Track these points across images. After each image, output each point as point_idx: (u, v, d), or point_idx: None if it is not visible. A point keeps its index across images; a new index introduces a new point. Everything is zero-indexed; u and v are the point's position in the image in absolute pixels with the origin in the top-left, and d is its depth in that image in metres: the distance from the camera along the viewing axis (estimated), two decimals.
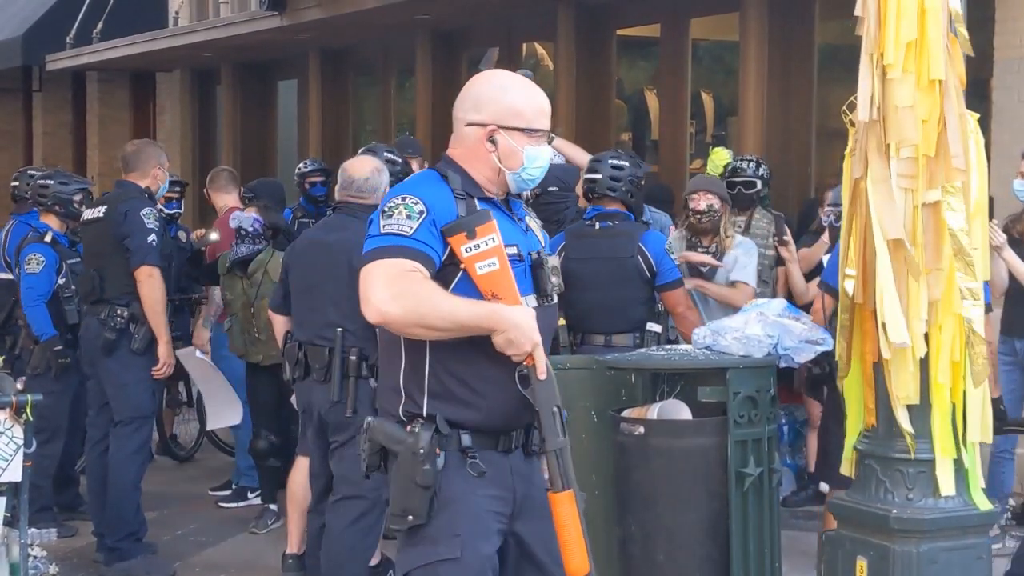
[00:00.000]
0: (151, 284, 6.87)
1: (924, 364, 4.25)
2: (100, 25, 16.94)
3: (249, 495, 8.40)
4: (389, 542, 7.25)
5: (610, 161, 6.64)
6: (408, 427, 3.55)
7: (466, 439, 3.57)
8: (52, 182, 7.79)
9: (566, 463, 3.52)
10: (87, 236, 7.24)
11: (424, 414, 3.57)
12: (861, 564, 4.31)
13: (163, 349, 6.97)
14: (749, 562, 5.46)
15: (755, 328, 5.59)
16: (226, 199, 8.75)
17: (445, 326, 3.46)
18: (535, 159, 3.67)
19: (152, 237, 6.89)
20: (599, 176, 6.56)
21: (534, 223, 3.84)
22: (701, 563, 5.42)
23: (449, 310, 3.45)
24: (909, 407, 4.26)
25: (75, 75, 19.97)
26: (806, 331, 5.69)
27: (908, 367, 4.24)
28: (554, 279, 3.72)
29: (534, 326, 3.49)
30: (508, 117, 3.66)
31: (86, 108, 20.24)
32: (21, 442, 5.02)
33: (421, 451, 3.50)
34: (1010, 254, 6.66)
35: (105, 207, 7.06)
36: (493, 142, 3.64)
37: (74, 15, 17.36)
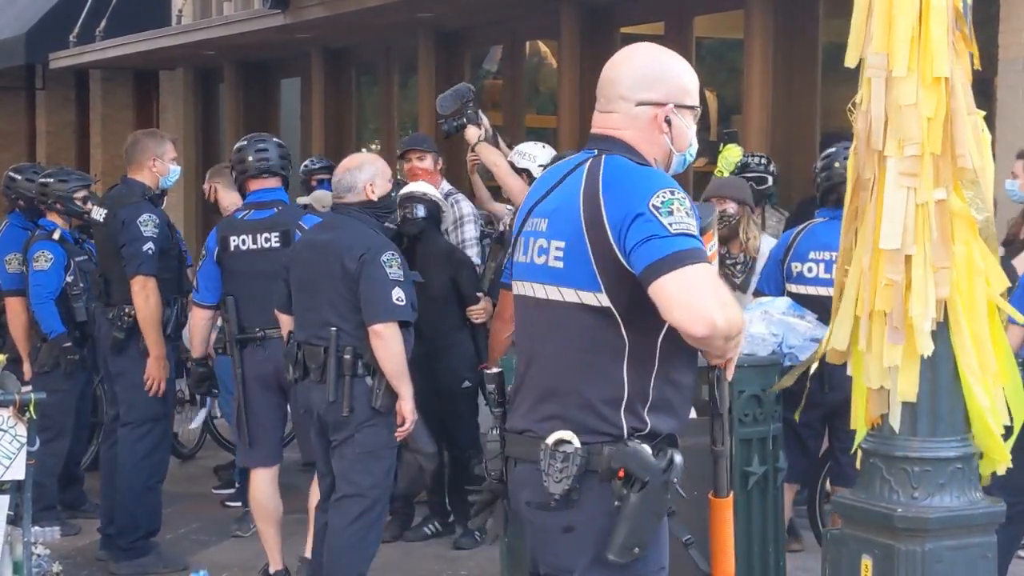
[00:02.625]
0: (144, 296, 6.83)
1: (934, 362, 4.24)
2: (103, 23, 16.95)
3: None
4: (394, 545, 7.26)
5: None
6: (655, 452, 3.31)
7: (678, 458, 3.34)
8: (51, 181, 7.78)
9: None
10: (97, 237, 7.31)
11: (648, 430, 3.34)
12: (866, 563, 4.30)
13: (152, 364, 6.92)
14: (754, 561, 5.46)
15: (759, 326, 5.58)
16: (233, 197, 8.63)
17: (736, 334, 3.25)
18: (694, 139, 3.49)
19: (148, 246, 6.83)
20: None
21: None
22: (705, 563, 5.41)
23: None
24: (919, 405, 4.25)
25: (78, 73, 19.99)
26: (811, 329, 5.68)
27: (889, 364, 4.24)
28: None
29: None
30: (680, 95, 3.43)
31: (89, 106, 20.26)
32: (24, 440, 5.01)
33: (674, 480, 3.30)
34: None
35: (106, 212, 7.07)
36: (667, 122, 3.42)
37: (77, 13, 17.37)
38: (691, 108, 3.46)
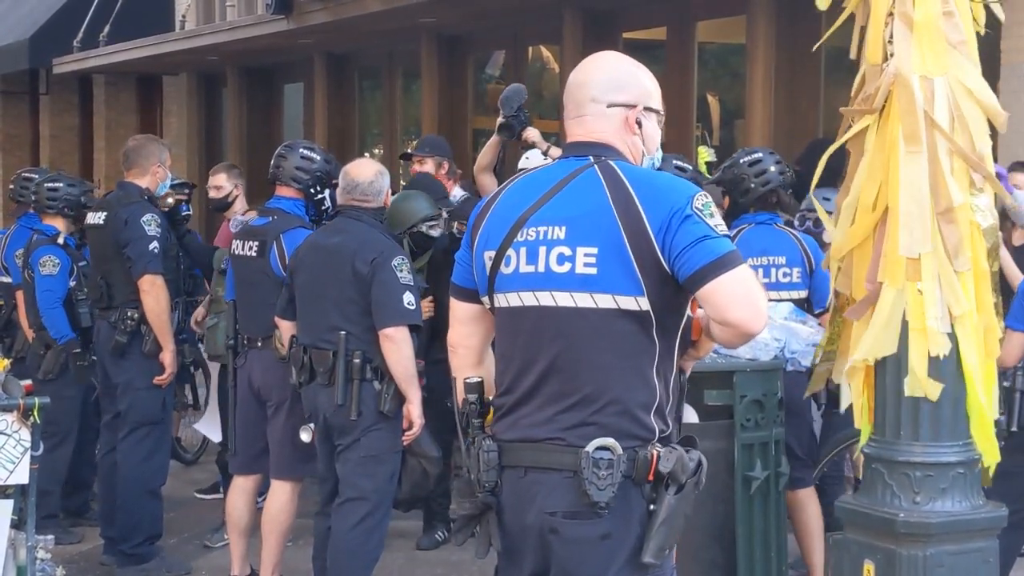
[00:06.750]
0: (154, 294, 6.86)
1: (937, 366, 4.25)
2: (107, 28, 16.98)
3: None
4: (396, 550, 7.26)
5: None
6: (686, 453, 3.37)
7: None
8: (61, 185, 7.78)
9: None
10: (91, 241, 7.28)
11: (668, 431, 3.38)
12: (868, 568, 4.31)
13: (167, 358, 6.97)
14: (755, 566, 5.47)
15: (762, 331, 5.58)
16: (243, 202, 8.57)
17: None
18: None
19: (154, 244, 6.86)
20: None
21: None
22: (707, 567, 5.43)
23: None
24: (920, 410, 4.26)
25: (82, 78, 20.02)
26: (812, 334, 5.69)
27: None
28: None
29: None
30: (646, 97, 3.48)
31: (93, 111, 20.29)
32: (28, 445, 5.01)
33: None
34: (1005, 254, 6.70)
35: (105, 213, 7.05)
36: (638, 124, 3.46)
37: (81, 18, 17.41)
38: (656, 111, 3.52)
